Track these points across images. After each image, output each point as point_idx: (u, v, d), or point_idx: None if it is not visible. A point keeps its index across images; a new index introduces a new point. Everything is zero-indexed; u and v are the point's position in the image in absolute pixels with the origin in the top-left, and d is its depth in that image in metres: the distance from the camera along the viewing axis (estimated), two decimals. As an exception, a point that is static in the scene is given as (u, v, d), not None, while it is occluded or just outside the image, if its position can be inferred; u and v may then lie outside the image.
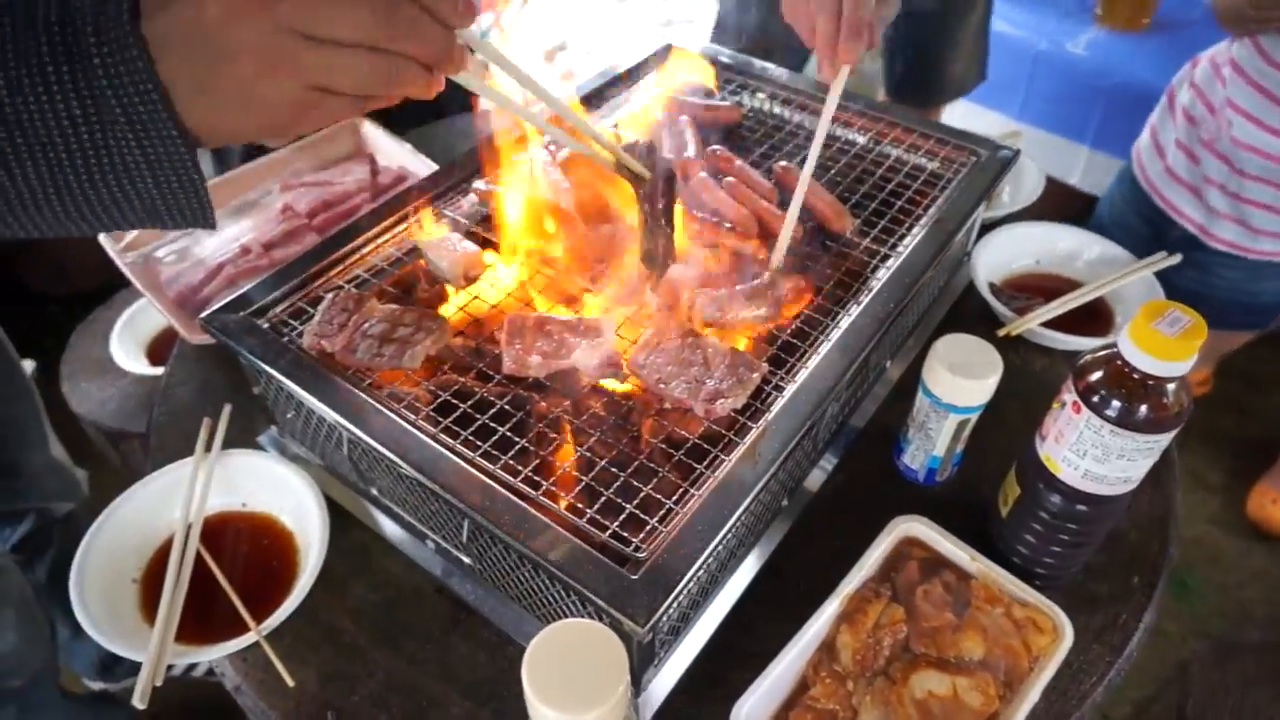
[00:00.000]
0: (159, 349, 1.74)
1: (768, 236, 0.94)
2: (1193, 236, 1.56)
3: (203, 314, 0.85)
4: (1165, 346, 0.66)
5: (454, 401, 0.80)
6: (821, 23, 0.89)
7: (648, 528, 0.68)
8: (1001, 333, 1.10)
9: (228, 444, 0.95)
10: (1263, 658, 1.25)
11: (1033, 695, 0.74)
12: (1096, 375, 0.72)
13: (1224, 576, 1.98)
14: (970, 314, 1.15)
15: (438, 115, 1.56)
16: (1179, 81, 1.61)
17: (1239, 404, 2.33)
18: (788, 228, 0.89)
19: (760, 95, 1.20)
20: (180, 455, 0.95)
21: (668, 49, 1.27)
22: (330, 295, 0.86)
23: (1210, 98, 1.47)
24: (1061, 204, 2.67)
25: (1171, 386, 0.69)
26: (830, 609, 0.80)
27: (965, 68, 2.16)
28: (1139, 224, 1.66)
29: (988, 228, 1.21)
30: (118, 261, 1.16)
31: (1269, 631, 1.29)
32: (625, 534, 0.68)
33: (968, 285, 1.17)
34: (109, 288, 1.98)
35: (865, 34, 0.87)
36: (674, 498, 0.70)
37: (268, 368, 0.80)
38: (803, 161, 0.93)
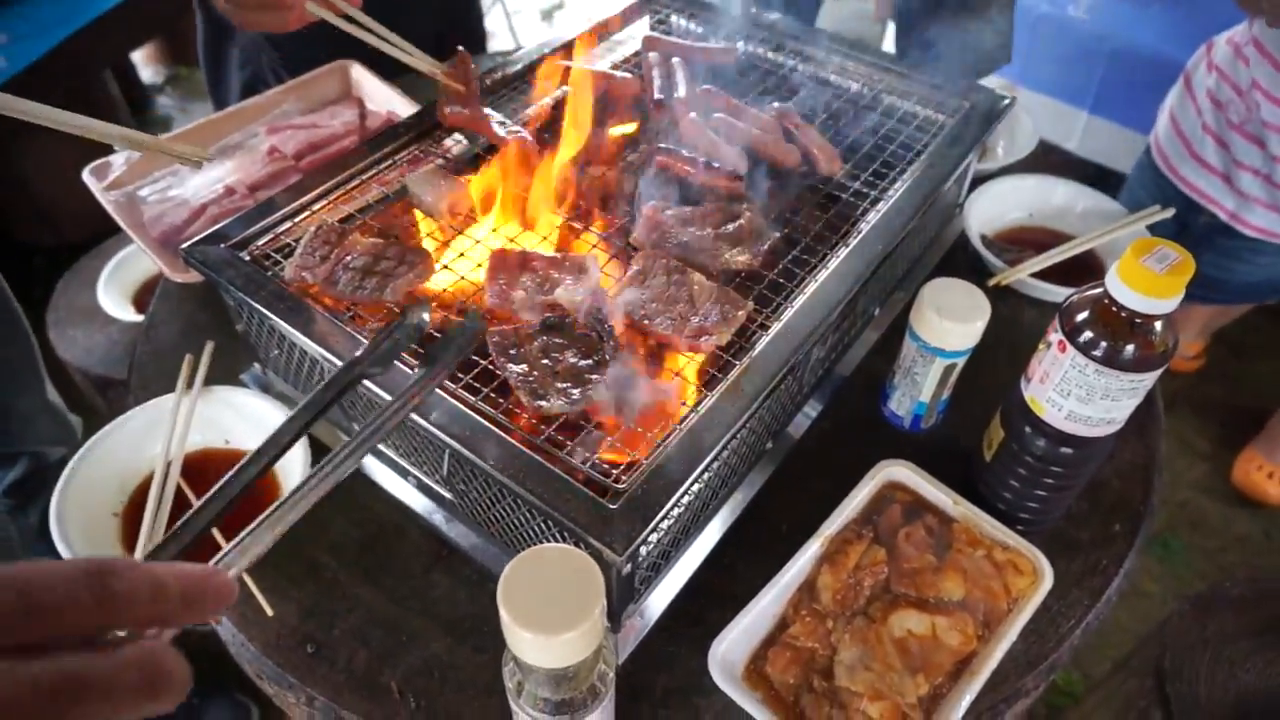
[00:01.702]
0: (145, 297, 1.72)
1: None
2: (1222, 223, 1.54)
3: (185, 245, 0.84)
4: (1154, 283, 0.66)
5: (436, 334, 0.79)
6: None
7: (627, 461, 0.68)
8: (992, 283, 1.10)
9: (211, 382, 0.94)
10: (1240, 613, 1.26)
11: (1010, 635, 0.74)
12: (1083, 315, 0.71)
13: (1206, 540, 1.99)
14: (961, 266, 1.14)
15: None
16: (1194, 64, 1.57)
17: (1228, 372, 2.33)
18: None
19: (754, 41, 1.18)
20: (162, 393, 0.94)
21: (662, -7, 1.24)
22: (314, 228, 0.85)
23: (1236, 80, 1.44)
24: (1059, 169, 2.66)
25: (1158, 325, 0.69)
26: (812, 550, 0.80)
27: (989, 45, 2.11)
28: None
29: (980, 181, 1.20)
30: (101, 199, 1.14)
31: (1247, 588, 1.30)
32: (605, 464, 0.67)
33: (959, 237, 1.17)
34: (97, 238, 1.96)
35: None
36: (654, 429, 0.70)
37: (249, 299, 0.79)
38: (796, 107, 0.92)
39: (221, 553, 0.46)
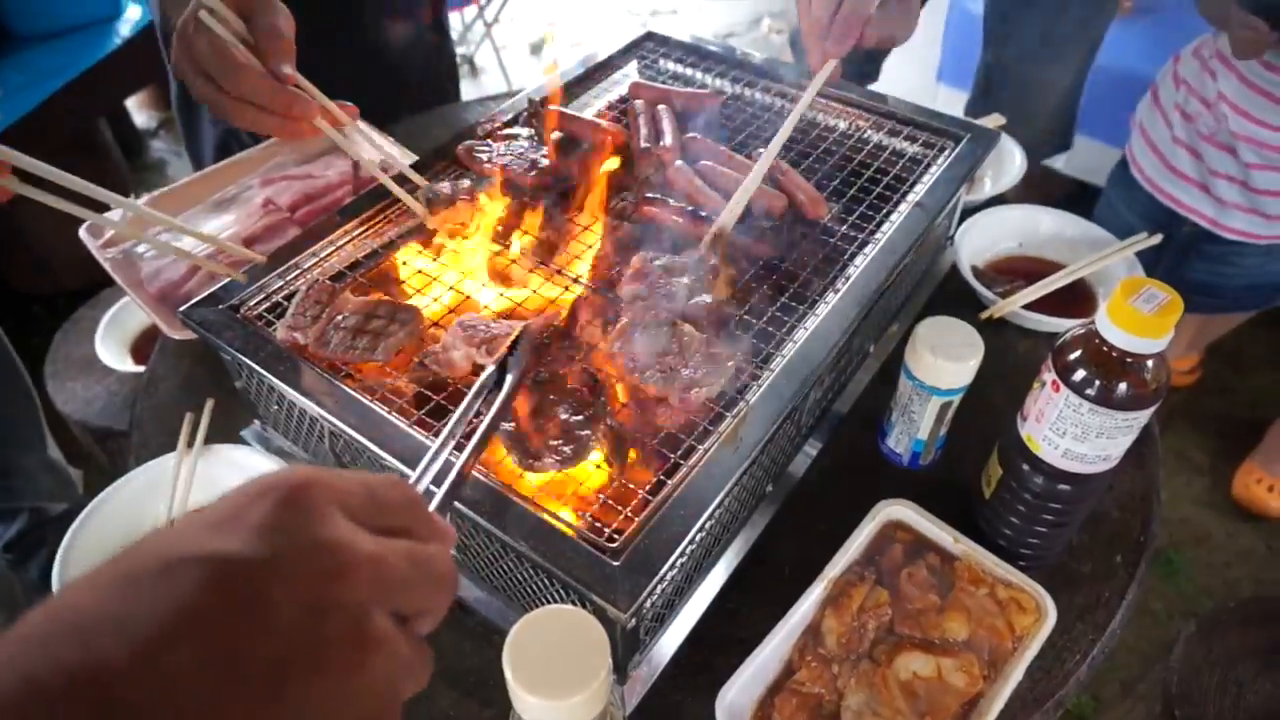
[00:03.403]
0: (143, 347, 1.73)
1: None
2: (1204, 230, 1.56)
3: (182, 309, 0.85)
4: (1142, 323, 0.67)
5: (428, 394, 0.80)
6: (817, 8, 0.90)
7: (622, 516, 0.68)
8: (984, 315, 1.11)
9: (211, 439, 0.95)
10: (1246, 632, 1.26)
11: (1016, 674, 0.75)
12: (1075, 354, 0.72)
13: (1210, 556, 1.99)
14: (954, 297, 1.15)
15: (421, 108, 1.56)
16: (1162, 78, 1.60)
17: (1224, 384, 2.34)
18: (730, 209, 0.89)
19: (741, 83, 1.19)
20: (163, 451, 0.94)
21: (648, 36, 1.26)
22: (304, 287, 0.85)
23: (1203, 93, 1.47)
24: (1047, 189, 2.68)
25: (1150, 363, 0.69)
26: (815, 593, 0.80)
27: (1046, 131, 2.16)
28: (1142, 225, 1.64)
29: (970, 211, 1.21)
30: (99, 258, 1.15)
31: (1253, 607, 1.30)
32: (600, 523, 0.68)
33: (951, 269, 1.18)
34: (93, 286, 1.97)
35: (856, 31, 0.88)
36: (648, 487, 0.70)
37: (248, 361, 0.80)
38: (782, 150, 0.94)
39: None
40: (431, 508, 0.53)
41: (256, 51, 0.83)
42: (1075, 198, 2.60)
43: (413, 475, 0.56)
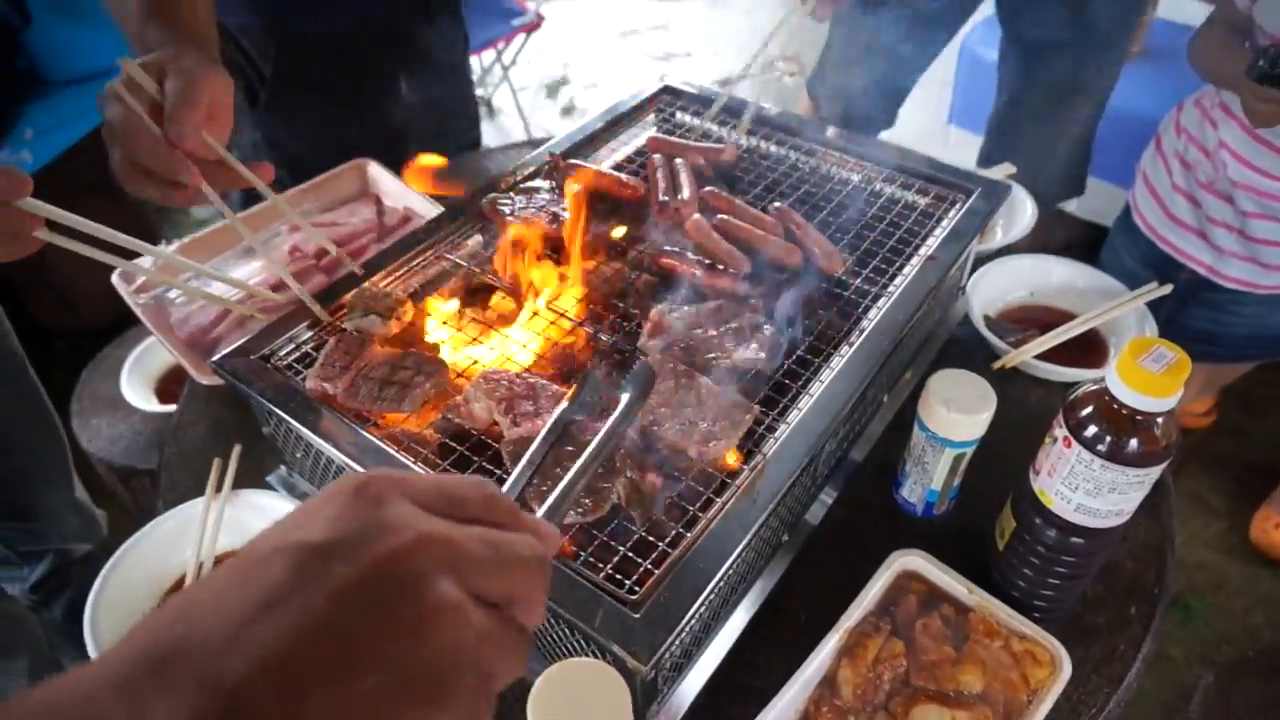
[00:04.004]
0: (167, 386, 1.76)
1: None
2: (1202, 278, 1.58)
3: (214, 358, 0.87)
4: (1151, 383, 0.68)
5: (452, 444, 0.82)
6: None
7: (641, 570, 0.70)
8: (996, 365, 1.12)
9: (237, 483, 0.97)
10: (1267, 682, 1.26)
11: (1032, 728, 0.75)
12: (1086, 410, 0.73)
13: (1229, 602, 1.98)
14: (967, 346, 1.17)
15: (444, 154, 1.60)
16: (1164, 127, 1.63)
17: (1239, 427, 2.34)
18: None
19: (756, 136, 1.22)
20: (191, 494, 0.96)
21: (665, 89, 1.30)
22: (333, 339, 0.88)
23: (1203, 141, 1.50)
24: (1059, 232, 2.70)
25: (1160, 420, 0.71)
26: (831, 644, 0.81)
27: (1059, 177, 2.19)
28: (1144, 271, 1.67)
29: (982, 260, 1.23)
30: (130, 303, 1.19)
31: (1274, 657, 1.30)
32: (619, 575, 0.69)
33: (964, 317, 1.19)
34: (116, 323, 2.01)
35: None
36: (666, 540, 0.72)
37: (279, 410, 0.82)
38: (797, 202, 0.96)
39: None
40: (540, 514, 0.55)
41: (164, 118, 0.79)
42: (1086, 240, 2.62)
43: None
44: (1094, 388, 0.74)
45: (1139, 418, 0.70)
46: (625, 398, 0.69)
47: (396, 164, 1.44)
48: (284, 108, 1.45)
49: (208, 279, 1.25)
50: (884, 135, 2.48)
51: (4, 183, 0.70)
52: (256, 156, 1.53)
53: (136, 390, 1.70)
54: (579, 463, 0.59)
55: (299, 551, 0.37)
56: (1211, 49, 1.44)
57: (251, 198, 1.59)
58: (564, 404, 0.68)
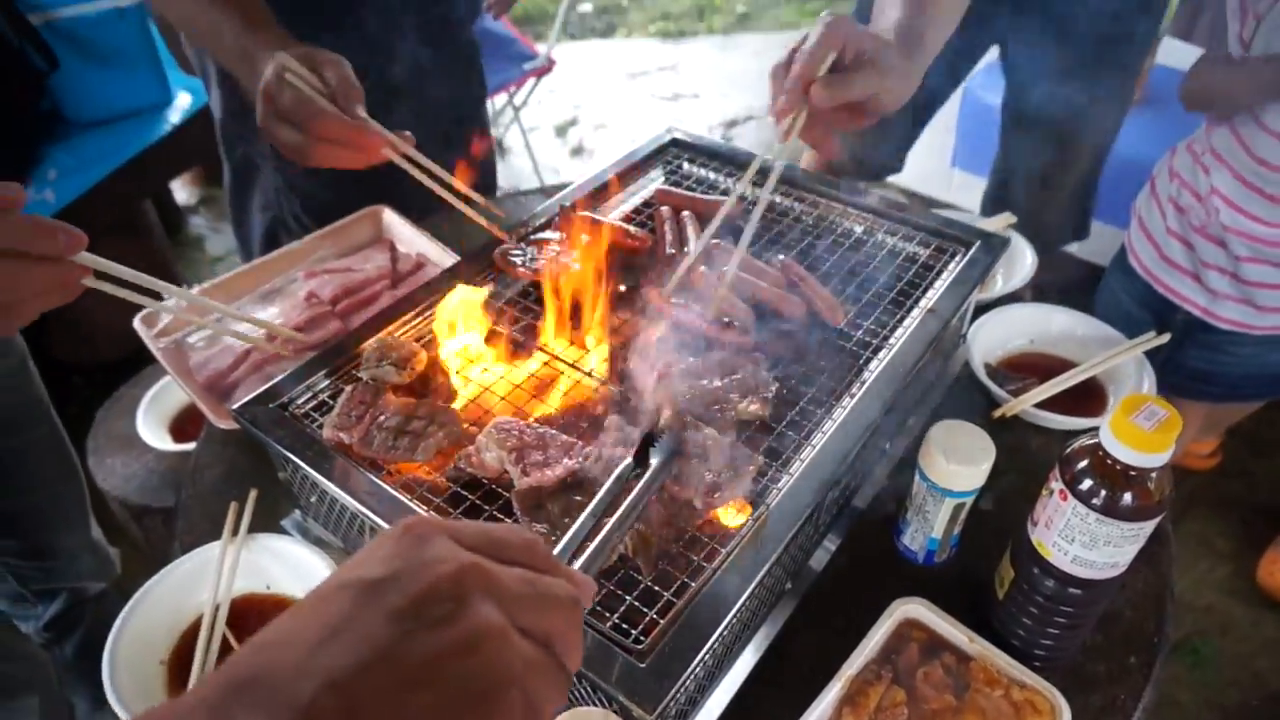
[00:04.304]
0: (181, 425, 1.79)
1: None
2: (1198, 319, 1.60)
3: (234, 405, 0.90)
4: (1144, 439, 0.70)
5: (464, 493, 0.84)
6: (772, 83, 0.93)
7: (647, 619, 0.72)
8: (997, 414, 1.14)
9: (252, 527, 0.99)
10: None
11: (1031, 778, 0.76)
12: (1081, 464, 0.75)
13: (1237, 646, 1.97)
14: (968, 393, 1.19)
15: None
16: (1158, 171, 1.67)
17: (1245, 468, 2.34)
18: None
19: (760, 187, 1.25)
20: (207, 537, 0.99)
21: (673, 142, 1.33)
22: (349, 389, 0.91)
23: (1195, 186, 1.53)
24: (1060, 272, 2.72)
25: (1153, 475, 0.73)
26: (833, 692, 0.82)
27: (1061, 222, 2.21)
28: (1140, 312, 1.69)
29: (983, 309, 1.26)
30: (151, 347, 1.22)
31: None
32: (625, 625, 0.71)
33: (965, 364, 1.22)
34: (133, 358, 2.04)
35: (803, 88, 0.88)
36: (672, 590, 0.74)
37: (295, 458, 0.84)
38: (800, 254, 0.99)
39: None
40: (577, 565, 0.59)
41: (332, 98, 0.97)
42: (1087, 280, 2.65)
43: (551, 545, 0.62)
44: (1089, 442, 0.76)
45: (1132, 473, 0.72)
46: (654, 461, 0.74)
47: (416, 209, 1.49)
48: None
49: (227, 324, 1.28)
50: (891, 179, 2.52)
51: (65, 240, 0.73)
52: (279, 202, 1.58)
53: (151, 429, 1.73)
54: (613, 519, 0.64)
55: (357, 586, 0.42)
56: (1204, 77, 1.48)
57: (271, 239, 1.64)
58: (628, 459, 0.74)
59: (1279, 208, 1.41)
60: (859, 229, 1.18)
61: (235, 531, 0.98)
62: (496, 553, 0.46)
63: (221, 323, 1.25)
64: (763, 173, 1.22)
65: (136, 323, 1.24)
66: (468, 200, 1.10)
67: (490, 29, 3.10)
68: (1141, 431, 0.70)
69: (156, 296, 0.98)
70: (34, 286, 0.73)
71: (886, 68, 0.90)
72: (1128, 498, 0.73)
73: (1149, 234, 1.66)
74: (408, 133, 1.05)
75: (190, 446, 1.24)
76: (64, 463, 1.45)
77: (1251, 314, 1.54)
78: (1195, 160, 1.54)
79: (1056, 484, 0.77)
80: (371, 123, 0.99)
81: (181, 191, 3.55)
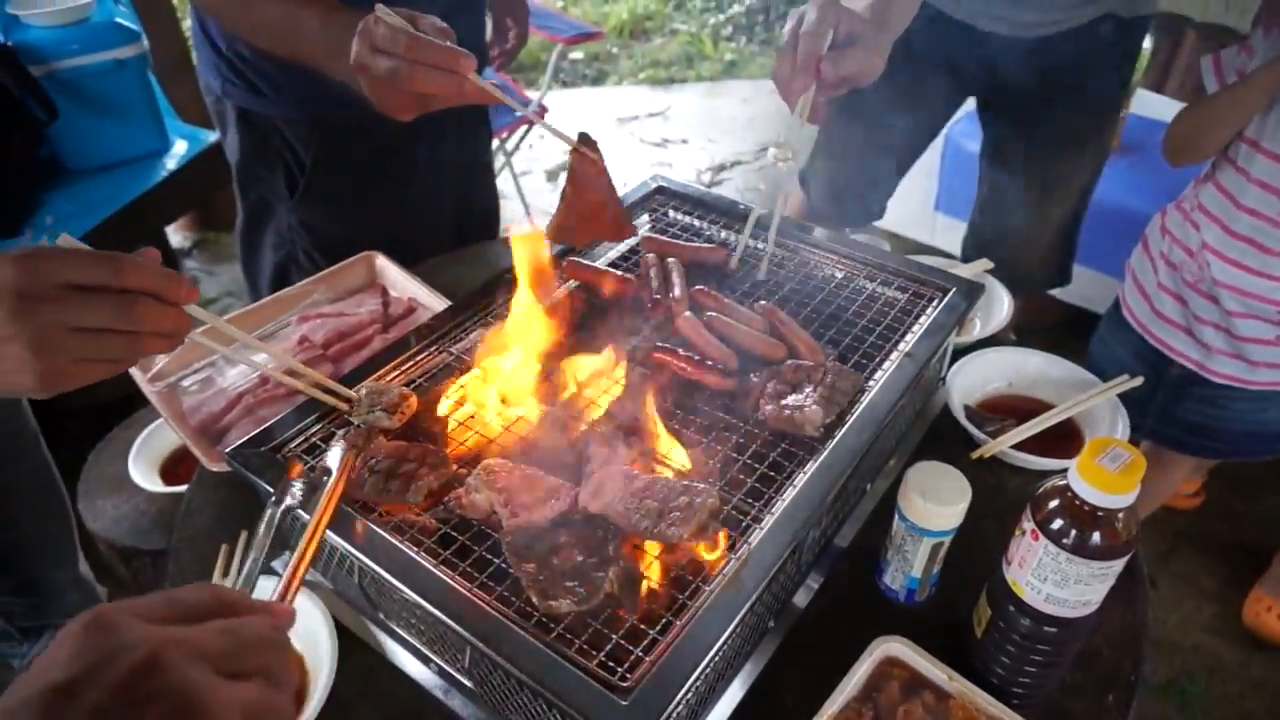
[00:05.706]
0: (171, 467, 1.79)
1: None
2: (1192, 373, 1.63)
3: (227, 449, 0.92)
4: (1109, 481, 0.73)
5: (453, 534, 0.86)
6: (778, 67, 1.02)
7: (633, 658, 0.73)
8: (975, 455, 1.17)
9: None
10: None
11: (1010, 816, 0.77)
12: (1051, 505, 0.78)
13: (1224, 687, 1.98)
14: (947, 434, 1.22)
15: (461, 246, 1.69)
16: (1151, 228, 1.71)
17: (1230, 508, 2.36)
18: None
19: (743, 234, 1.29)
20: (197, 579, 1.00)
21: (659, 190, 1.37)
22: (340, 432, 0.93)
23: (1187, 243, 1.57)
24: (1043, 316, 2.77)
25: (1120, 516, 0.75)
26: (815, 730, 0.83)
27: (1042, 267, 2.25)
28: (1135, 364, 1.72)
29: (962, 352, 1.29)
30: (145, 391, 1.24)
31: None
32: (611, 663, 0.73)
33: (944, 408, 1.24)
34: (125, 400, 2.05)
35: (812, 68, 0.98)
36: (657, 628, 0.76)
37: (286, 501, 0.86)
38: (782, 300, 1.02)
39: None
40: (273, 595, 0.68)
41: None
42: (1070, 323, 2.69)
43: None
44: (1059, 483, 0.78)
45: (1100, 513, 0.75)
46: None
47: (425, 251, 1.52)
48: (321, 194, 1.54)
49: (221, 368, 1.31)
50: (876, 223, 2.56)
51: (185, 291, 0.74)
52: (293, 239, 1.61)
53: (142, 471, 1.73)
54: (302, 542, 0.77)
55: (44, 695, 0.41)
56: (1187, 119, 1.52)
57: (281, 276, 1.66)
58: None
59: (1271, 258, 1.45)
60: (840, 274, 1.22)
61: (225, 573, 0.99)
62: (189, 615, 0.49)
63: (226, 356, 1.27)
64: (745, 220, 1.27)
65: (133, 369, 1.26)
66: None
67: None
68: (1107, 473, 0.73)
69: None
70: (163, 327, 0.73)
71: (872, 45, 1.01)
72: (1096, 537, 0.75)
73: (1142, 289, 1.70)
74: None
75: (182, 489, 1.25)
76: (53, 497, 1.46)
77: (1245, 369, 1.57)
78: (1185, 217, 1.59)
79: (1028, 524, 0.80)
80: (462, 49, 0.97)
81: (176, 235, 3.59)
